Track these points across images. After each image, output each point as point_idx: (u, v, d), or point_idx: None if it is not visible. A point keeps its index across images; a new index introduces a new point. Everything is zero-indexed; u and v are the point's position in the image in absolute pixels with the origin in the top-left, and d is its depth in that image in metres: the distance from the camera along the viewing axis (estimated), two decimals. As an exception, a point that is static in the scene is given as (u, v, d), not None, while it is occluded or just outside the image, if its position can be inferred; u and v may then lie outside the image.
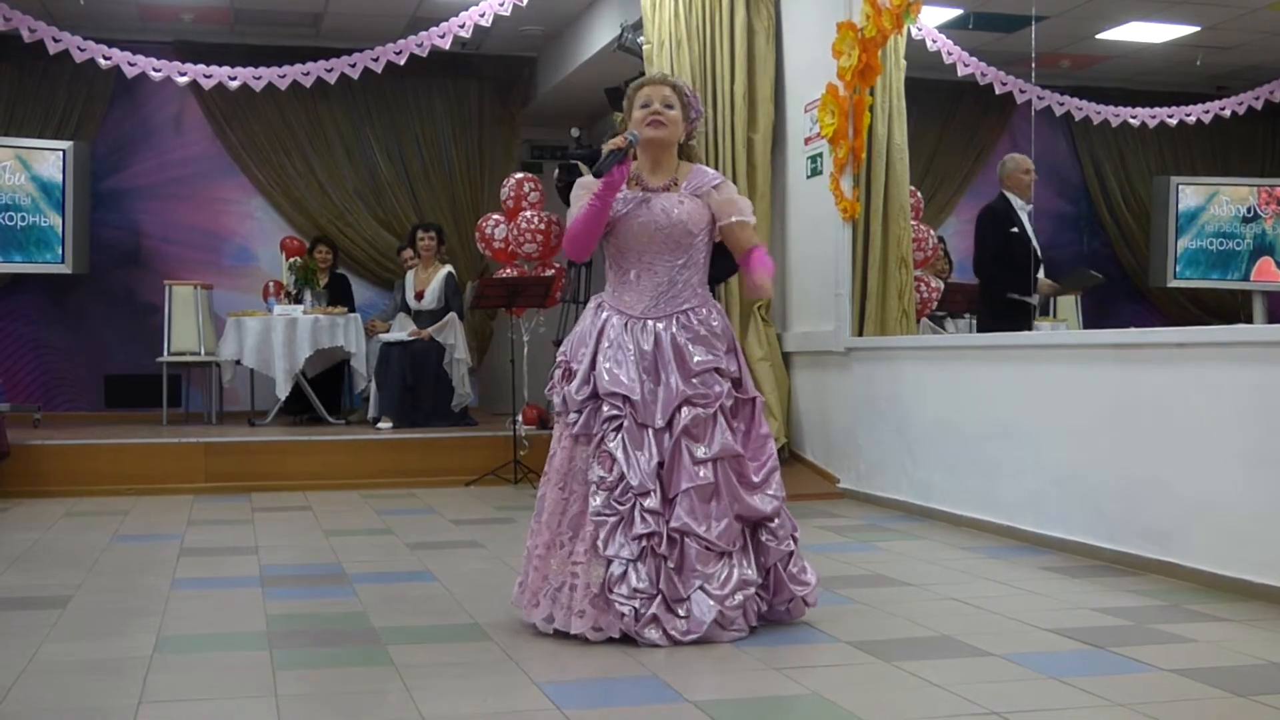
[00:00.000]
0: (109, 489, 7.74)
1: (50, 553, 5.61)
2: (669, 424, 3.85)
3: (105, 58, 9.28)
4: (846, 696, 3.19)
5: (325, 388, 10.09)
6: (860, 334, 7.51)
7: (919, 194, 8.83)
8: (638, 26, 8.71)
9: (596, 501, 3.81)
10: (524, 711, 3.11)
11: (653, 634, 3.70)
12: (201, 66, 9.56)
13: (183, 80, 9.65)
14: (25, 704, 3.17)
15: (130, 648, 3.75)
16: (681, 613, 3.73)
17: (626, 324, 3.96)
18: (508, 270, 9.42)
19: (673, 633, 3.70)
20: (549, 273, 9.20)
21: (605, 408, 3.86)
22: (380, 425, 9.20)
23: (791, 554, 3.97)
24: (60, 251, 10.65)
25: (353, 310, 10.18)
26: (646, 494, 3.77)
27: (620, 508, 3.78)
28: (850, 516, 6.64)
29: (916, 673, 3.42)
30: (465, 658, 3.66)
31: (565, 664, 3.55)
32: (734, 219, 4.03)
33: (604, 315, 4.01)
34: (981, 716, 3.02)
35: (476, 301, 8.85)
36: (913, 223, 8.04)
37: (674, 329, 3.93)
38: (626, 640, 3.72)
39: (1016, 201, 7.58)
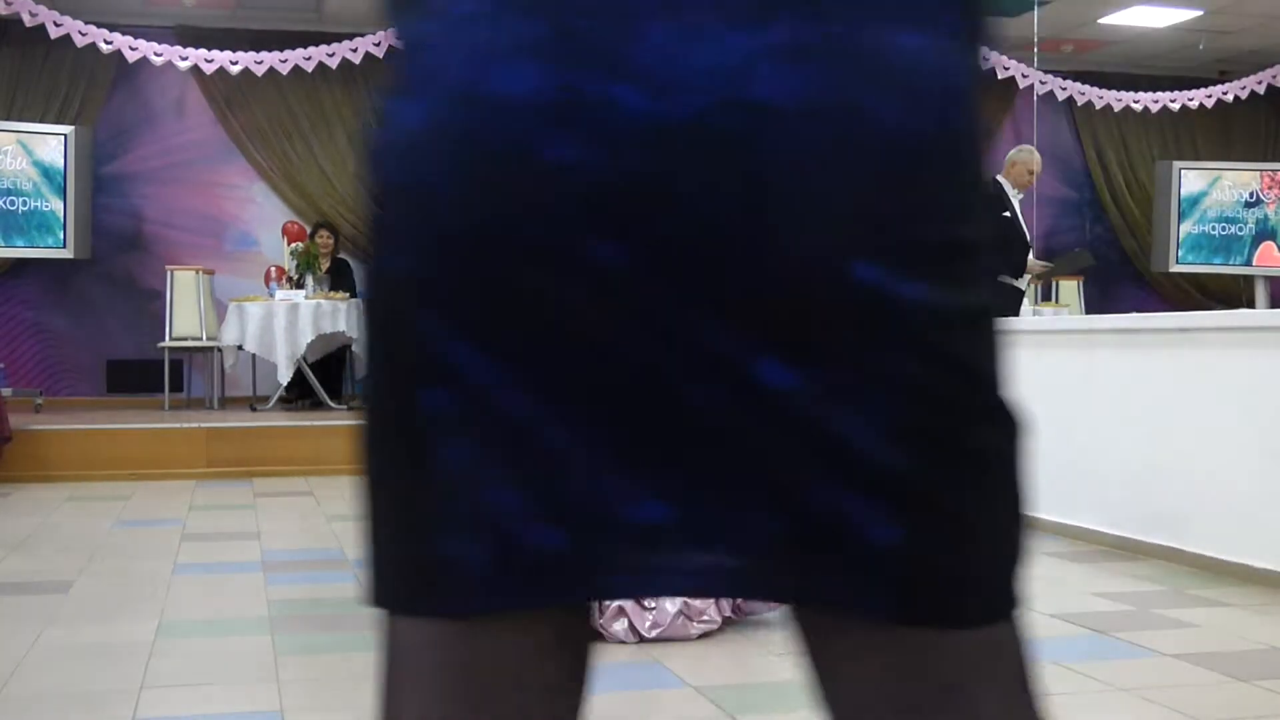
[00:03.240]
0: (111, 474, 7.74)
1: (52, 538, 5.61)
2: None
3: (106, 42, 9.28)
4: (848, 681, 3.19)
5: (327, 373, 10.09)
6: (862, 319, 7.50)
7: (921, 179, 8.81)
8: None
9: None
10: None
11: (619, 628, 3.57)
12: (203, 51, 9.56)
13: (184, 65, 9.66)
14: (28, 689, 3.18)
15: (132, 632, 3.76)
16: (650, 605, 3.58)
17: None
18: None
19: (639, 628, 3.57)
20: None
21: None
22: (382, 410, 9.19)
23: None
24: (62, 236, 10.65)
25: (355, 295, 10.17)
26: None
27: None
28: (852, 502, 6.64)
29: (918, 658, 3.42)
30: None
31: (567, 649, 3.54)
32: None
33: None
34: (983, 701, 3.01)
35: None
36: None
37: None
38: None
39: (1008, 188, 7.60)
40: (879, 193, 0.80)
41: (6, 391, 9.08)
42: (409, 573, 0.90)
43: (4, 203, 10.51)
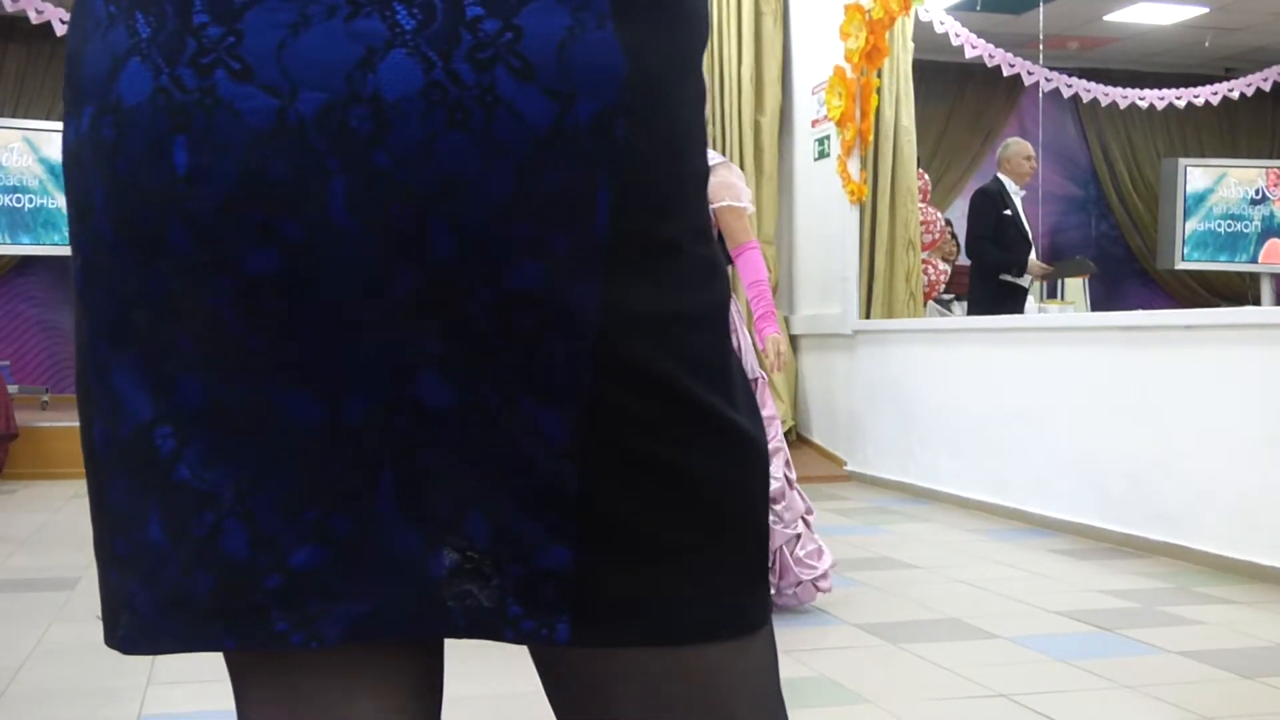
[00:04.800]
0: (117, 471, 7.74)
1: (58, 534, 5.62)
2: None
3: (111, 40, 9.27)
4: (854, 679, 3.19)
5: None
6: (867, 317, 7.50)
7: (926, 176, 8.82)
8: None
9: None
10: (528, 694, 3.11)
11: None
12: (208, 48, 9.55)
13: (189, 62, 9.64)
14: (34, 685, 3.18)
15: (138, 629, 3.75)
16: None
17: None
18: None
19: None
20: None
21: None
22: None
23: (799, 537, 3.86)
24: (68, 233, 10.65)
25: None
26: None
27: None
28: (857, 499, 6.65)
29: (924, 655, 3.42)
30: (469, 639, 3.65)
31: (572, 646, 3.55)
32: (725, 203, 3.90)
33: None
34: (988, 699, 3.02)
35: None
36: (920, 205, 8.03)
37: None
38: None
39: (1010, 185, 7.59)
40: (529, 189, 0.74)
41: (13, 388, 9.09)
42: (105, 603, 0.87)
43: (10, 200, 10.52)
